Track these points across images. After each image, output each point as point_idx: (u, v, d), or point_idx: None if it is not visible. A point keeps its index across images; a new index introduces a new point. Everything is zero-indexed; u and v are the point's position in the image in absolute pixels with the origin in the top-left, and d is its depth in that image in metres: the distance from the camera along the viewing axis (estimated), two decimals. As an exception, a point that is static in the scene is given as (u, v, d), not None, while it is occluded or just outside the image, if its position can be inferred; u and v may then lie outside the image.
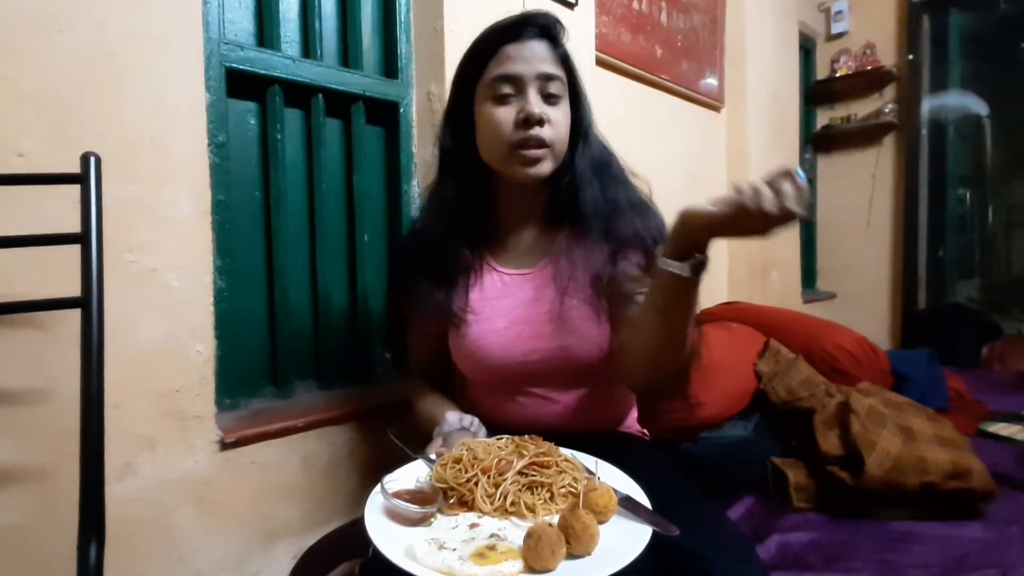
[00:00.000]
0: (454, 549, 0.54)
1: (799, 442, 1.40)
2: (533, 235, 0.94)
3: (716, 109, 2.49)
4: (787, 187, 0.57)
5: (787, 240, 2.85)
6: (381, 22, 1.35)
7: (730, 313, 1.99)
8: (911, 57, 3.25)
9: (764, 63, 2.65)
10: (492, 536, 0.57)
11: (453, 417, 0.81)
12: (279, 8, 1.16)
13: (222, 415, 1.01)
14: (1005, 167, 3.33)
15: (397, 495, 0.61)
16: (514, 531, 0.57)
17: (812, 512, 1.23)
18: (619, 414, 0.98)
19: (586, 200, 0.87)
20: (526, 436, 0.70)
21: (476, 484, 0.62)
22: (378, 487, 0.62)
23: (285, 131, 1.16)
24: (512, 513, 0.60)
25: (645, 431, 1.02)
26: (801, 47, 3.19)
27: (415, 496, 0.62)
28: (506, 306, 0.90)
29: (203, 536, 0.96)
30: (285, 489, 1.07)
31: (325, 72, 1.20)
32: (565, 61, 0.87)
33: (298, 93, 1.18)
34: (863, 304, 3.40)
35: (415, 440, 0.80)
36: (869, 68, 3.31)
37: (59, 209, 0.77)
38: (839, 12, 3.43)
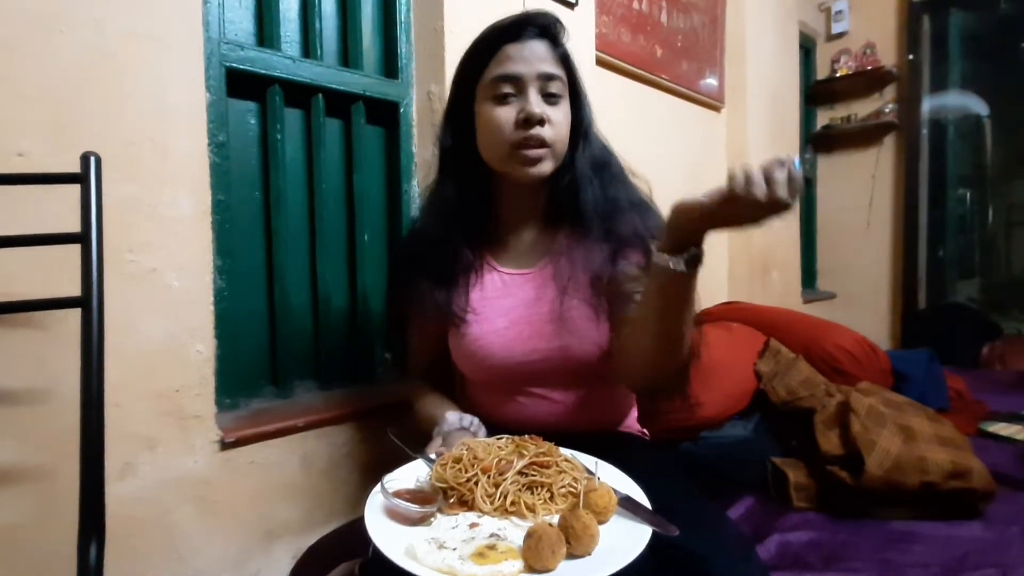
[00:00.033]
0: (454, 549, 0.54)
1: (799, 442, 1.40)
2: (533, 235, 0.94)
3: (716, 109, 2.49)
4: (779, 175, 0.57)
5: (787, 240, 2.86)
6: (381, 22, 1.35)
7: (730, 313, 1.99)
8: (911, 57, 3.25)
9: (764, 63, 2.65)
10: (492, 536, 0.57)
11: (453, 417, 0.81)
12: (279, 8, 1.17)
13: (222, 415, 1.01)
14: (1005, 167, 3.33)
15: (397, 494, 0.61)
16: (514, 531, 0.57)
17: (812, 512, 1.23)
18: (619, 414, 0.98)
19: (586, 200, 0.87)
20: (526, 436, 0.70)
21: (476, 484, 0.62)
22: (378, 486, 0.62)
23: (285, 131, 1.16)
24: (512, 513, 0.60)
25: (645, 431, 1.02)
26: (801, 47, 3.19)
27: (415, 496, 0.62)
28: (506, 306, 0.90)
29: (203, 536, 0.96)
30: (285, 489, 1.07)
31: (325, 72, 1.20)
32: (565, 61, 0.87)
33: (298, 93, 1.18)
34: (863, 304, 3.40)
35: (415, 440, 0.80)
36: (869, 68, 3.31)
37: (59, 209, 0.77)
38: (839, 12, 3.43)
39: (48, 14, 0.80)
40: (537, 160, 0.83)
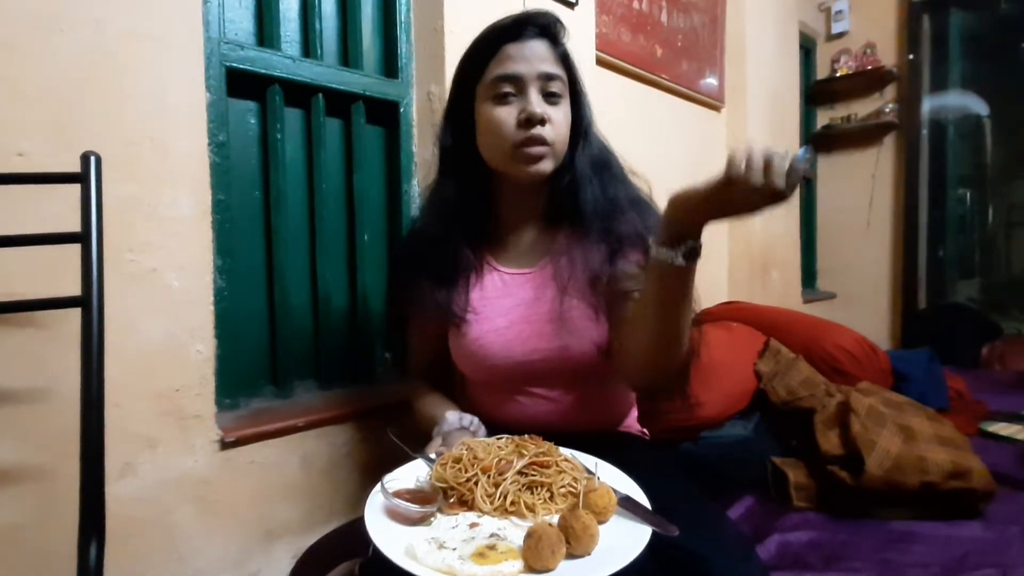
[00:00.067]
0: (454, 549, 0.54)
1: (799, 442, 1.40)
2: (533, 235, 0.94)
3: (716, 109, 2.49)
4: (778, 163, 0.56)
5: (787, 240, 2.86)
6: (381, 22, 1.35)
7: (730, 313, 1.99)
8: (911, 57, 3.25)
9: (764, 63, 2.65)
10: (492, 536, 0.57)
11: (453, 416, 0.81)
12: (279, 8, 1.16)
13: (222, 415, 1.01)
14: (1005, 167, 3.33)
15: (397, 494, 0.61)
16: (514, 531, 0.58)
17: (812, 512, 1.24)
18: (619, 414, 0.98)
19: (586, 199, 0.87)
20: (526, 436, 0.70)
21: (476, 484, 0.62)
22: (378, 486, 0.62)
23: (285, 131, 1.16)
24: (512, 513, 0.60)
25: (645, 431, 1.02)
26: (801, 47, 3.19)
27: (415, 495, 0.62)
28: (506, 306, 0.90)
29: (203, 536, 0.96)
30: (285, 489, 1.07)
31: (325, 72, 1.20)
32: (565, 60, 0.87)
33: (298, 93, 1.18)
34: (863, 304, 3.40)
35: (415, 440, 0.80)
36: (869, 68, 3.31)
37: (59, 209, 0.78)
38: (839, 12, 3.43)
39: (48, 14, 0.80)
40: (538, 159, 0.83)
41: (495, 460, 0.64)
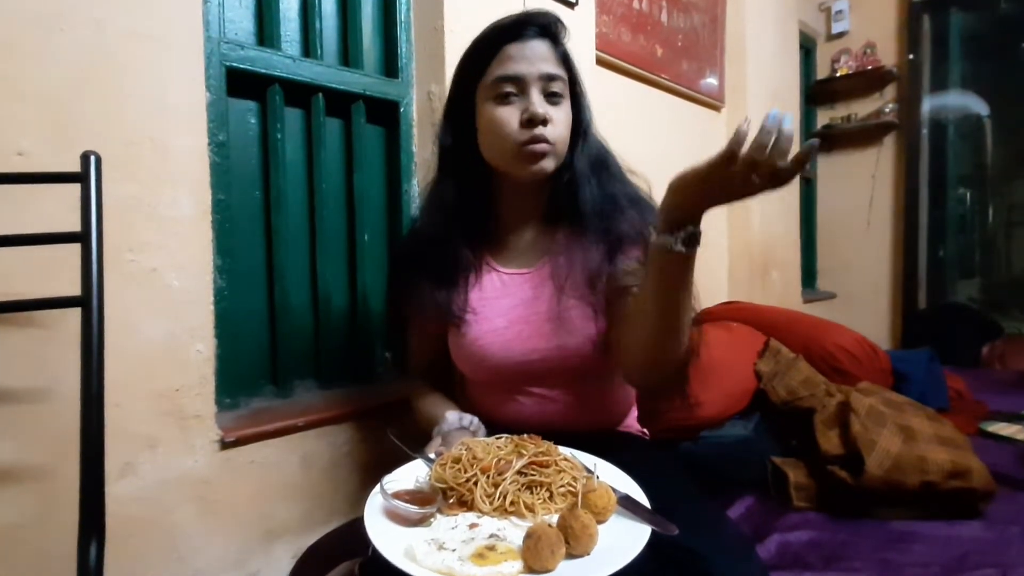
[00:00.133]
0: (454, 550, 0.54)
1: (799, 442, 1.40)
2: (533, 234, 0.94)
3: (716, 109, 2.49)
4: (784, 145, 0.55)
5: (787, 240, 2.86)
6: (381, 21, 1.35)
7: (730, 313, 1.99)
8: (911, 57, 3.25)
9: (764, 63, 2.65)
10: (492, 536, 0.57)
11: (453, 416, 0.81)
12: (279, 7, 1.16)
13: (222, 414, 1.01)
14: (1005, 167, 3.33)
15: (396, 495, 0.61)
16: (513, 531, 0.58)
17: (812, 512, 1.24)
18: (619, 413, 0.98)
19: (584, 198, 0.87)
20: (525, 435, 0.70)
21: (475, 484, 0.62)
22: (377, 487, 0.62)
23: (285, 130, 1.16)
24: (511, 513, 0.60)
25: (645, 431, 1.02)
26: (801, 47, 3.19)
27: (415, 496, 0.62)
28: (505, 306, 0.90)
29: (203, 535, 0.96)
30: (285, 488, 1.07)
31: (325, 71, 1.20)
32: (565, 60, 0.87)
33: (298, 92, 1.18)
34: (863, 304, 3.40)
35: (415, 440, 0.80)
36: (869, 68, 3.31)
37: (59, 208, 0.77)
38: (839, 12, 3.43)
39: (48, 14, 0.80)
40: (541, 157, 0.83)
41: (494, 460, 0.64)
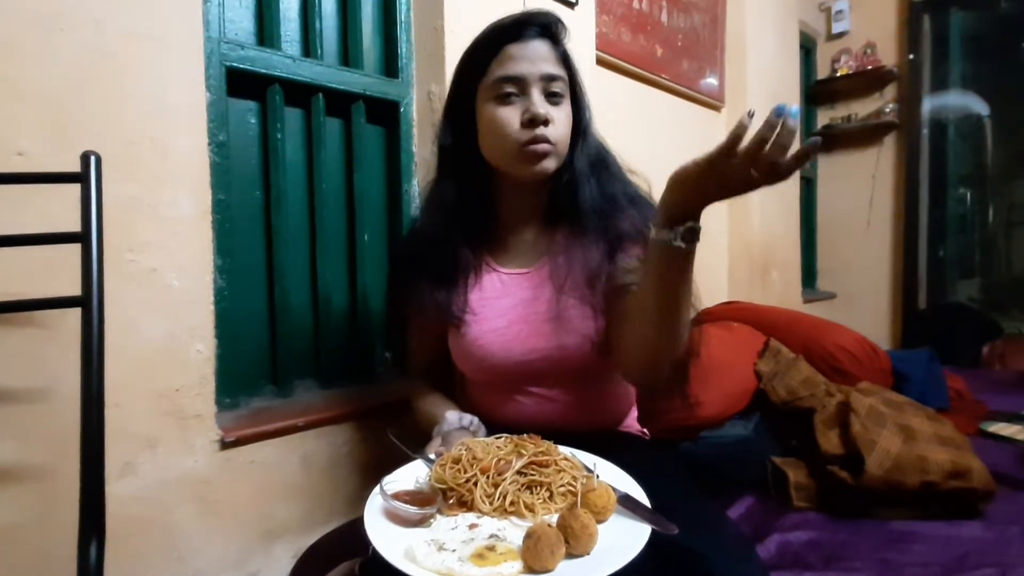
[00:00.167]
0: (453, 550, 0.54)
1: (799, 442, 1.40)
2: (533, 234, 0.94)
3: (716, 108, 2.49)
4: (785, 140, 0.55)
5: (787, 240, 2.85)
6: (381, 21, 1.35)
7: (730, 313, 1.99)
8: (912, 57, 3.25)
9: (764, 63, 2.65)
10: (491, 536, 0.57)
11: (453, 416, 0.81)
12: (279, 7, 1.16)
13: (222, 414, 1.01)
14: (1006, 167, 3.33)
15: (396, 496, 0.61)
16: (513, 531, 0.57)
17: (812, 512, 1.24)
18: (619, 413, 0.98)
19: (584, 197, 0.87)
20: (525, 435, 0.70)
21: (475, 484, 0.62)
22: (377, 488, 0.62)
23: (285, 130, 1.16)
24: (511, 513, 0.60)
25: (645, 431, 1.02)
26: (802, 47, 3.18)
27: (414, 497, 0.62)
28: (505, 306, 0.90)
29: (203, 535, 0.96)
30: (285, 488, 1.07)
31: (325, 71, 1.20)
32: (565, 60, 0.87)
33: (298, 92, 1.18)
34: (863, 304, 3.40)
35: (415, 440, 0.80)
36: (870, 68, 3.31)
37: (59, 209, 0.77)
38: (840, 11, 3.43)
39: (48, 14, 0.80)
40: (542, 157, 0.83)
41: (494, 460, 0.64)
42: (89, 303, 0.72)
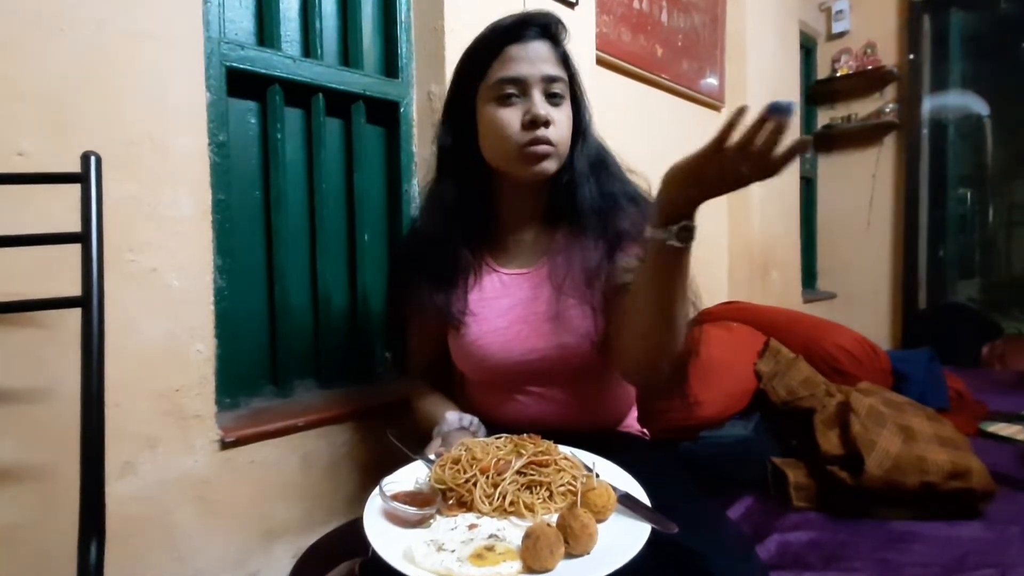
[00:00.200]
0: (453, 551, 0.54)
1: (799, 442, 1.40)
2: (532, 234, 0.94)
3: (716, 108, 2.49)
4: (778, 136, 0.55)
5: (787, 240, 2.85)
6: (381, 22, 1.35)
7: (730, 313, 1.99)
8: (912, 57, 3.25)
9: (764, 63, 2.65)
10: (491, 536, 0.57)
11: (453, 417, 0.81)
12: (279, 7, 1.16)
13: (222, 414, 1.01)
14: (1006, 167, 3.33)
15: (396, 497, 0.61)
16: (513, 531, 0.57)
17: (812, 512, 1.24)
18: (619, 413, 0.98)
19: (583, 197, 0.87)
20: (524, 435, 0.70)
21: (475, 484, 0.62)
22: (377, 489, 0.62)
23: (285, 130, 1.16)
24: (511, 513, 0.60)
25: (645, 431, 1.02)
26: (802, 46, 3.18)
27: (414, 498, 0.62)
28: (505, 306, 0.90)
29: (203, 535, 0.96)
30: (285, 488, 1.07)
31: (325, 71, 1.20)
32: (565, 61, 0.87)
33: (298, 92, 1.18)
34: (863, 304, 3.40)
35: (415, 440, 0.80)
36: (870, 68, 3.31)
37: (59, 208, 0.77)
38: (840, 11, 3.43)
39: (48, 14, 0.80)
40: (543, 158, 0.83)
41: (493, 460, 0.64)
42: (89, 303, 0.72)
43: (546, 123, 0.81)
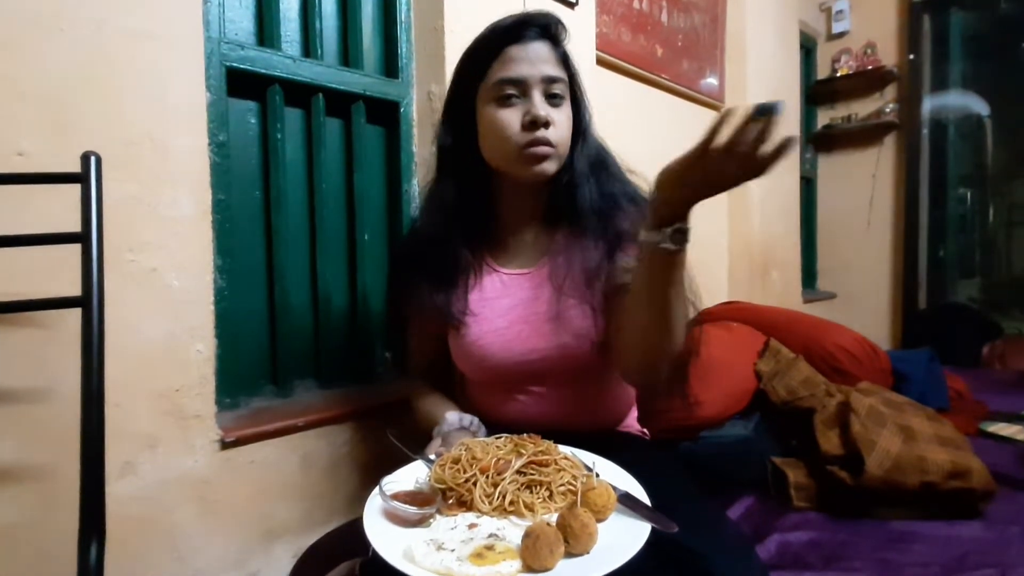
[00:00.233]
0: (452, 550, 0.54)
1: (799, 442, 1.40)
2: (533, 235, 0.94)
3: (716, 108, 2.48)
4: (759, 135, 0.55)
5: (787, 240, 2.85)
6: (381, 22, 1.35)
7: (730, 313, 1.99)
8: (912, 57, 3.25)
9: (764, 62, 2.65)
10: (491, 536, 0.57)
11: (453, 417, 0.82)
12: (279, 7, 1.16)
13: (222, 414, 1.01)
14: (1006, 167, 3.33)
15: (396, 496, 0.61)
16: (513, 530, 0.57)
17: (812, 512, 1.24)
18: (619, 413, 0.98)
19: (583, 197, 0.87)
20: (524, 435, 0.70)
21: (475, 484, 0.62)
22: (377, 489, 0.62)
23: (285, 130, 1.16)
24: (511, 512, 0.60)
25: (645, 431, 1.02)
26: (802, 46, 3.18)
27: (414, 497, 0.62)
28: (505, 306, 0.90)
29: (203, 535, 0.96)
30: (285, 488, 1.07)
31: (325, 72, 1.20)
32: (565, 61, 0.87)
33: (298, 92, 1.18)
34: (863, 304, 3.40)
35: (415, 440, 0.80)
36: (870, 68, 3.31)
37: (59, 208, 0.77)
38: (840, 11, 3.43)
39: (48, 14, 0.80)
40: (543, 159, 0.83)
41: (493, 460, 0.64)
42: (89, 303, 0.72)
43: (546, 124, 0.81)
